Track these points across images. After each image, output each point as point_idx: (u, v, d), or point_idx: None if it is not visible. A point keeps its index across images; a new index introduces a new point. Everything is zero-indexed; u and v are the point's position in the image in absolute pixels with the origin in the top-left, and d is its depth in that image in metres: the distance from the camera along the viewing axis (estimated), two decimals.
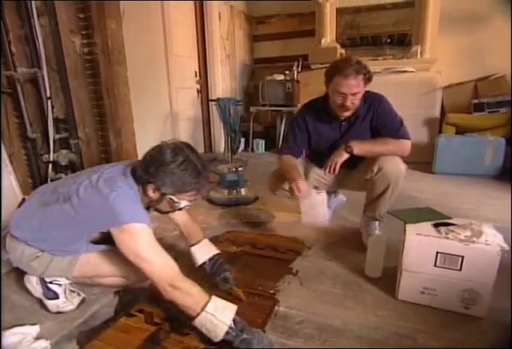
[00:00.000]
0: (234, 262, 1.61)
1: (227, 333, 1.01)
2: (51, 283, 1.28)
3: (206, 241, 1.44)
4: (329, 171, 1.63)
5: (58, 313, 1.26)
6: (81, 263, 1.24)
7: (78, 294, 1.31)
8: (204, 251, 1.40)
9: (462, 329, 1.15)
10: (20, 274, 1.50)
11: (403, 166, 1.61)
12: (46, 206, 1.20)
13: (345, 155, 1.62)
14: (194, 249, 1.40)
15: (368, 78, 1.57)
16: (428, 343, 1.09)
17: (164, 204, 1.18)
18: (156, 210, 1.25)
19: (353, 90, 1.54)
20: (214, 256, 1.40)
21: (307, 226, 1.97)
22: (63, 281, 1.29)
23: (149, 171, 1.10)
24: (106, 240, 1.23)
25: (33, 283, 1.29)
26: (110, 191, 1.09)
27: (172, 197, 1.14)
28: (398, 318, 1.20)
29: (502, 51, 3.66)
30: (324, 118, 1.74)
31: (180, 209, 1.24)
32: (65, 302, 1.27)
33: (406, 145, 1.64)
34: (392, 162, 1.59)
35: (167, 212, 1.26)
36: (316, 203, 1.63)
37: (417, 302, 1.26)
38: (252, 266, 1.58)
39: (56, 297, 1.27)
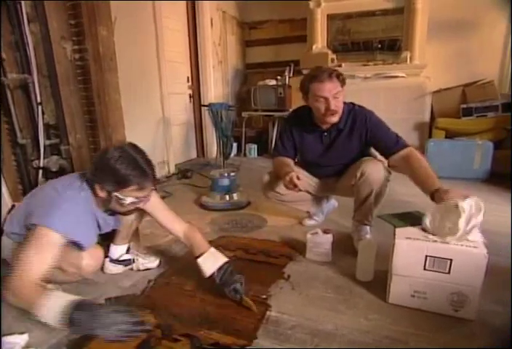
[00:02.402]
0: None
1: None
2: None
3: (212, 250, 1.39)
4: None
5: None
6: None
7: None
8: (211, 262, 1.36)
9: (452, 332, 1.16)
10: None
11: (384, 171, 1.63)
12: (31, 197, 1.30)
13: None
14: (200, 261, 1.36)
15: (342, 81, 1.62)
16: (419, 346, 1.10)
17: (114, 203, 1.22)
18: (115, 212, 1.29)
19: (332, 92, 1.58)
20: (223, 265, 1.35)
21: (299, 231, 1.98)
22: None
23: (93, 171, 1.18)
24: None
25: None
26: (58, 194, 1.19)
27: (116, 194, 1.17)
28: (390, 322, 1.21)
29: (489, 57, 3.74)
30: (308, 127, 1.78)
31: (135, 209, 1.29)
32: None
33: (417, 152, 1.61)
34: (373, 167, 1.61)
35: (126, 213, 1.30)
36: (321, 243, 1.63)
37: (408, 305, 1.27)
38: (245, 271, 1.56)
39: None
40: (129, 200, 1.19)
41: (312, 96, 1.63)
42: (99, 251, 1.29)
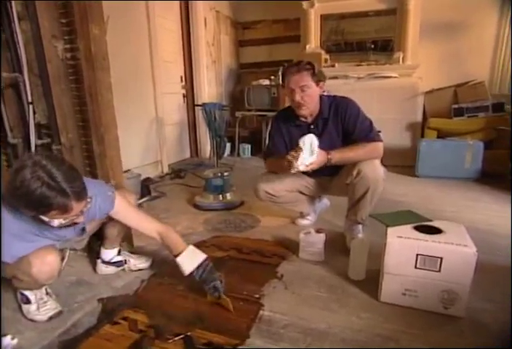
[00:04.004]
0: (220, 267, 1.61)
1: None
2: None
3: (190, 248, 1.37)
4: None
5: (32, 320, 1.26)
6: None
7: (54, 307, 1.29)
8: (190, 260, 1.34)
9: (443, 329, 1.17)
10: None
11: (381, 170, 1.64)
12: None
13: (322, 164, 1.60)
14: (180, 260, 1.34)
15: (313, 75, 1.66)
16: (410, 344, 1.11)
17: (47, 223, 1.08)
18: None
19: (299, 83, 1.64)
20: (202, 263, 1.34)
21: (292, 230, 1.99)
22: None
23: (9, 194, 1.03)
24: None
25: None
26: None
27: (41, 217, 1.04)
28: (382, 320, 1.22)
29: (480, 58, 3.79)
30: (294, 122, 1.82)
31: (75, 224, 1.15)
32: (36, 311, 1.26)
33: (379, 148, 1.67)
34: (371, 166, 1.62)
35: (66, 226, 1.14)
36: (314, 242, 1.64)
37: (399, 303, 1.29)
38: (238, 271, 1.58)
39: (28, 301, 1.27)
40: (56, 222, 1.07)
41: (286, 90, 1.73)
42: (52, 257, 1.16)
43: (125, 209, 1.35)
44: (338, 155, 1.62)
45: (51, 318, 1.26)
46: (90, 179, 1.18)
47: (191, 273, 1.32)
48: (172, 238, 1.37)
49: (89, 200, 1.10)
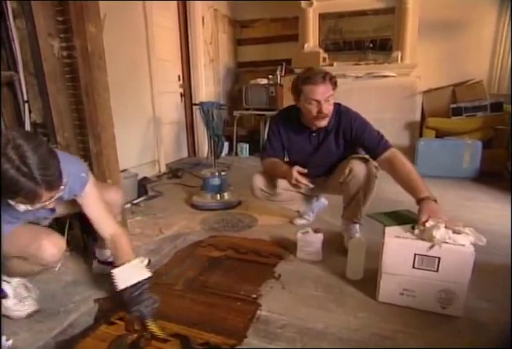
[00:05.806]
0: (217, 267, 1.61)
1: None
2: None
3: (135, 262, 1.25)
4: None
5: (7, 317, 1.23)
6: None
7: (33, 304, 1.27)
8: (127, 275, 1.21)
9: (440, 329, 1.17)
10: None
11: (373, 168, 1.64)
12: None
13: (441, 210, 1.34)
14: (116, 272, 1.22)
15: (334, 84, 1.61)
16: (407, 344, 1.11)
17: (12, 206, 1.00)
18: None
19: (325, 95, 1.57)
20: (139, 282, 1.21)
21: (290, 230, 1.98)
22: (9, 279, 1.26)
23: None
24: None
25: None
26: None
27: (7, 200, 0.96)
28: (379, 320, 1.22)
29: (479, 57, 3.79)
30: (296, 127, 1.78)
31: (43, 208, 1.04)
32: (16, 305, 1.24)
33: (401, 155, 1.58)
34: (362, 164, 1.62)
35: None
36: (311, 242, 1.63)
37: (397, 303, 1.28)
38: (235, 271, 1.58)
39: (6, 295, 1.24)
40: (22, 208, 0.97)
41: (304, 98, 1.61)
42: (61, 241, 1.17)
43: (92, 199, 1.26)
44: (431, 193, 1.42)
45: (30, 315, 1.24)
46: (67, 156, 1.13)
47: (122, 291, 1.21)
48: (122, 246, 1.27)
49: (62, 187, 1.00)
